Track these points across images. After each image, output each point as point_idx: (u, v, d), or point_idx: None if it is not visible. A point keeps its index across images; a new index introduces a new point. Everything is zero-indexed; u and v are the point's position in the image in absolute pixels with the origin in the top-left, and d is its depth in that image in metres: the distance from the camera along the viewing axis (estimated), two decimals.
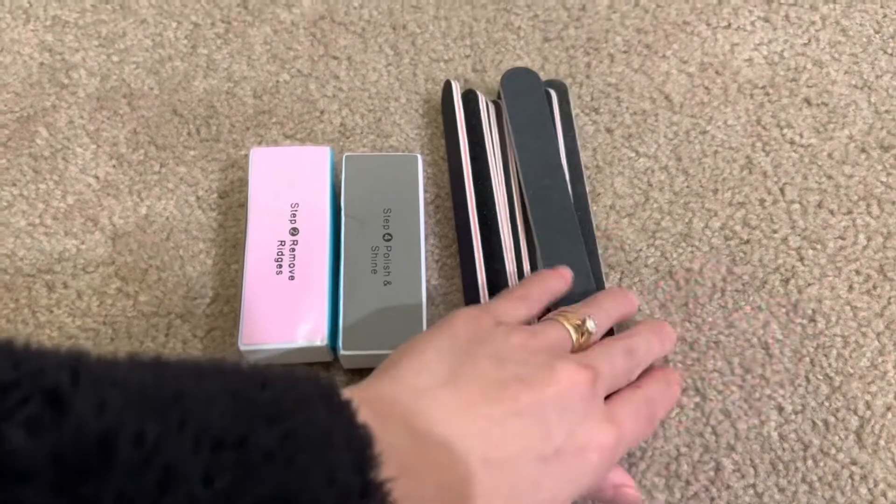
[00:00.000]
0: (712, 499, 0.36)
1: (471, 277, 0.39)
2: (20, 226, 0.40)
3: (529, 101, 0.42)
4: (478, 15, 0.47)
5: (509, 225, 0.40)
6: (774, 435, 0.37)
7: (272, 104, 0.44)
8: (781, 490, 0.36)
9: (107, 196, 0.41)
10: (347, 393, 0.24)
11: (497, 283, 0.38)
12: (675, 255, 0.41)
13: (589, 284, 0.38)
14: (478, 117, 0.42)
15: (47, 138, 0.43)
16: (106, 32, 0.46)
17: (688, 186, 0.43)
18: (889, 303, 0.40)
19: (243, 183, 0.42)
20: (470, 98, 0.43)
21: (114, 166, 0.42)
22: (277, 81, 0.45)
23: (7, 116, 0.43)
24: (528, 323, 0.34)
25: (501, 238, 0.39)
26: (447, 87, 0.44)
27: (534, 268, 0.39)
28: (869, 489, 0.36)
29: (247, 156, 0.42)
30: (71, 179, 0.42)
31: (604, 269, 0.40)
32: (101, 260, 0.40)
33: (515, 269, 0.39)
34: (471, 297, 0.38)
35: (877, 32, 0.48)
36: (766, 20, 0.48)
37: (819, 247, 0.42)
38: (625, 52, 0.47)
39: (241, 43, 0.46)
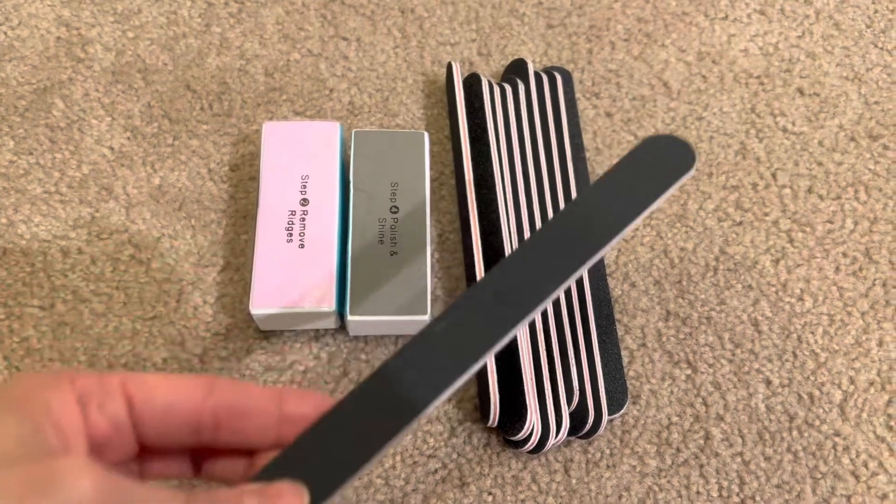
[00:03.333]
0: (702, 466, 0.38)
1: (469, 255, 0.40)
2: (36, 193, 0.42)
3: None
4: (484, 1, 0.49)
5: (512, 204, 0.41)
6: (762, 406, 0.39)
7: (283, 82, 0.45)
8: (767, 458, 0.38)
9: (121, 166, 0.43)
10: None
11: (496, 259, 0.40)
12: (670, 235, 0.43)
13: None
14: (480, 100, 0.44)
15: (63, 110, 0.44)
16: (121, 9, 0.47)
17: None
18: (874, 284, 0.42)
19: (254, 157, 0.43)
20: (473, 81, 0.44)
21: (128, 138, 0.43)
22: (288, 60, 0.46)
23: (25, 88, 0.44)
24: None
25: (500, 217, 0.41)
26: (449, 70, 0.45)
27: None
28: (851, 459, 0.38)
29: (258, 131, 0.44)
30: (86, 150, 0.43)
31: None
32: (115, 227, 0.41)
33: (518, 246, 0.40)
34: (470, 273, 0.40)
35: (868, 27, 0.50)
36: (762, 13, 0.50)
37: (808, 230, 0.43)
38: (625, 40, 0.48)
39: (253, 22, 0.47)
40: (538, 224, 0.41)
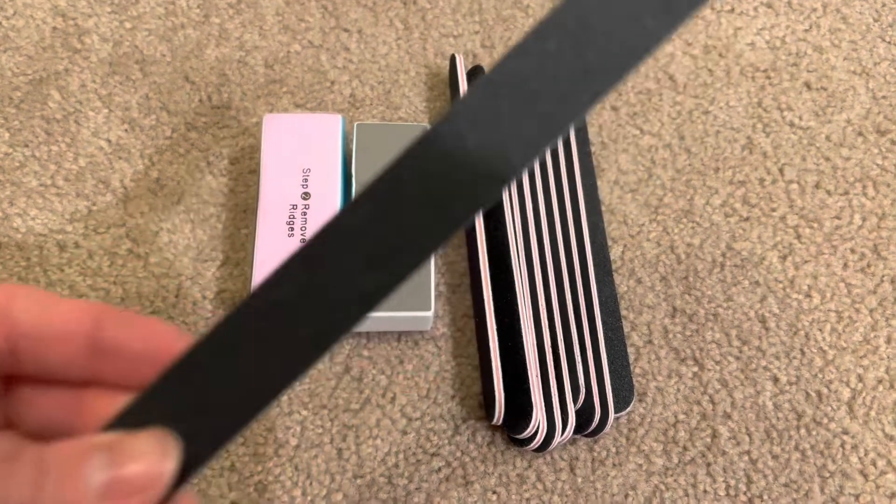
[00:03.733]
0: (708, 464, 0.37)
1: (472, 249, 0.40)
2: (32, 186, 0.41)
3: None
4: None
5: (516, 198, 0.41)
6: (769, 404, 0.38)
7: (283, 74, 0.45)
8: (775, 457, 0.37)
9: (118, 159, 0.42)
10: None
11: (500, 254, 0.39)
12: (676, 231, 0.42)
13: None
14: None
15: (60, 101, 0.43)
16: None
17: (690, 164, 0.44)
18: (882, 280, 0.42)
19: (254, 150, 0.43)
20: (477, 73, 0.44)
21: (126, 130, 0.43)
22: (289, 52, 0.45)
23: (20, 79, 0.43)
24: None
25: (504, 210, 0.40)
26: (452, 62, 0.44)
27: (539, 236, 0.40)
28: (859, 458, 0.38)
29: (258, 123, 0.43)
30: (83, 142, 0.42)
31: (608, 243, 0.41)
32: (113, 221, 0.40)
33: (522, 241, 0.40)
34: (474, 268, 0.39)
35: (876, 21, 0.49)
36: (769, 6, 0.49)
37: (816, 225, 0.43)
38: None
39: (253, 13, 0.46)
40: (542, 217, 0.40)
